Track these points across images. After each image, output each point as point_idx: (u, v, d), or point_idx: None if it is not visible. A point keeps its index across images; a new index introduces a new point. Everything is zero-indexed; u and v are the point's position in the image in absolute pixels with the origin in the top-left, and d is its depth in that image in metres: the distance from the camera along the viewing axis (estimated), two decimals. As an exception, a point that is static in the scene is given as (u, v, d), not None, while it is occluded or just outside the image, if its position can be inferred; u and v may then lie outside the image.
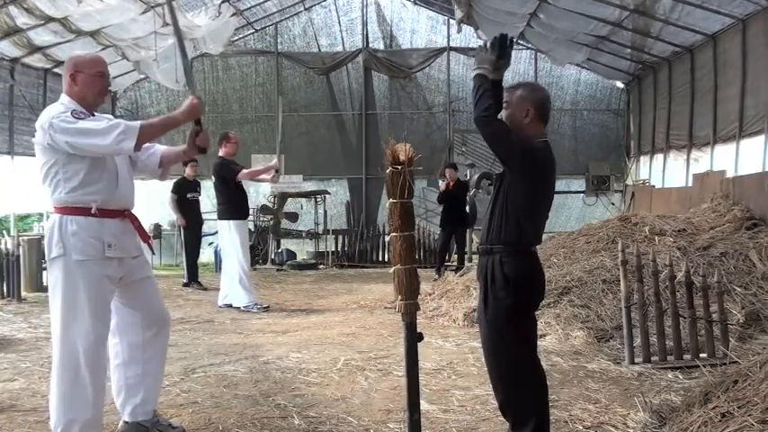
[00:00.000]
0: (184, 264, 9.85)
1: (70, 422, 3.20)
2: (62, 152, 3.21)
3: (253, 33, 14.41)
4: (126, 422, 3.52)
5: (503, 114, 3.21)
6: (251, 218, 13.92)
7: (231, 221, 7.83)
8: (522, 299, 3.15)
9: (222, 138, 8.02)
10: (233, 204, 7.88)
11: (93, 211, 3.23)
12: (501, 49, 3.12)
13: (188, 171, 10.06)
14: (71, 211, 3.23)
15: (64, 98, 3.33)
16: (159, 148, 3.61)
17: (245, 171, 7.96)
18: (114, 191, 3.31)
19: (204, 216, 10.74)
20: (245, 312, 7.67)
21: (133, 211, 3.48)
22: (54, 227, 3.24)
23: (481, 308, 3.26)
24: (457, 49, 14.04)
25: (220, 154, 8.00)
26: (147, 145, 3.45)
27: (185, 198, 9.87)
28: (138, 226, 3.47)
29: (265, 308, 7.80)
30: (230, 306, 7.80)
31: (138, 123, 3.20)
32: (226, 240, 7.90)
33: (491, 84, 3.13)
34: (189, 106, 3.34)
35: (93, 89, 3.32)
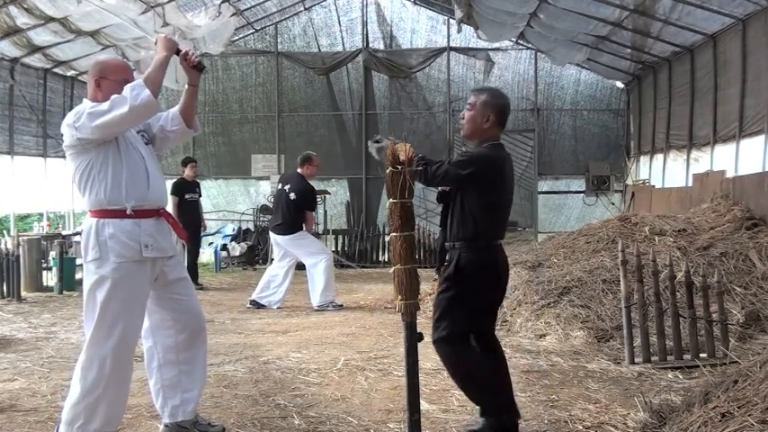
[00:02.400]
0: (185, 265, 9.82)
1: (88, 418, 3.21)
2: (94, 152, 3.24)
3: (253, 33, 14.40)
4: (166, 425, 3.53)
5: (465, 115, 3.50)
6: (251, 217, 13.99)
7: (299, 233, 7.94)
8: (469, 287, 3.32)
9: (305, 159, 8.10)
10: (299, 220, 7.99)
11: (128, 213, 3.25)
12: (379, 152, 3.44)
13: (187, 172, 9.97)
14: (107, 213, 3.26)
15: (87, 102, 3.34)
16: (173, 109, 3.62)
17: (309, 217, 8.24)
18: (146, 190, 3.32)
19: (206, 216, 10.71)
20: (245, 312, 7.70)
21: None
22: (90, 230, 3.26)
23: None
24: (457, 49, 14.03)
25: (300, 172, 8.06)
26: (162, 116, 3.54)
27: (183, 199, 9.81)
28: (173, 223, 3.49)
29: (339, 305, 7.95)
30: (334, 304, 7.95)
31: (137, 80, 3.25)
32: (300, 249, 7.97)
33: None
34: (161, 42, 3.38)
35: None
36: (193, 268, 9.99)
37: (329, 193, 13.42)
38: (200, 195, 10.25)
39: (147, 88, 3.17)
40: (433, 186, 3.47)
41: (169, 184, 10.01)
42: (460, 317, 3.37)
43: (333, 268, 8.08)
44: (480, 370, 3.43)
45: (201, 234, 10.52)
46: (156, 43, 3.43)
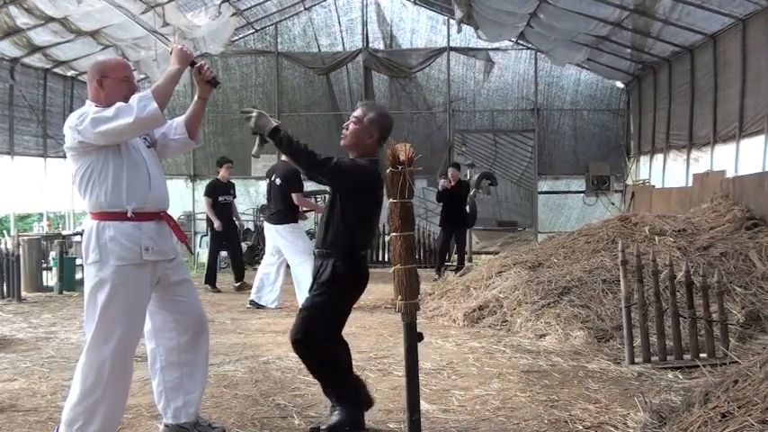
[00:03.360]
0: (206, 264, 9.77)
1: (87, 420, 3.21)
2: (95, 154, 3.23)
3: (253, 33, 14.40)
4: (167, 425, 3.53)
5: (350, 127, 3.58)
6: (251, 218, 13.98)
7: (293, 224, 7.90)
8: (344, 294, 3.57)
9: None
10: (293, 210, 7.92)
11: (129, 215, 3.24)
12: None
13: (222, 173, 9.75)
14: (107, 216, 3.24)
15: (90, 104, 3.33)
16: (178, 118, 3.62)
17: (300, 197, 8.08)
18: (148, 193, 3.31)
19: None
20: (245, 312, 7.70)
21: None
22: (91, 233, 3.25)
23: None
24: (457, 49, 14.03)
25: (285, 160, 7.95)
26: (167, 123, 3.53)
27: (217, 201, 9.60)
28: (174, 226, 3.48)
29: None
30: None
31: (146, 90, 3.25)
32: (288, 244, 7.89)
33: (284, 134, 3.50)
34: (176, 53, 3.37)
35: (120, 94, 3.29)
36: (239, 267, 9.87)
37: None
38: (235, 196, 10.02)
39: (154, 100, 3.15)
40: (310, 173, 3.60)
41: (170, 184, 10.08)
42: (335, 321, 3.66)
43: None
44: (345, 366, 3.69)
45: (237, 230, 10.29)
46: (170, 53, 3.40)
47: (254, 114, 3.54)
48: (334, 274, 3.49)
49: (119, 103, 3.18)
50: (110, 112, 3.16)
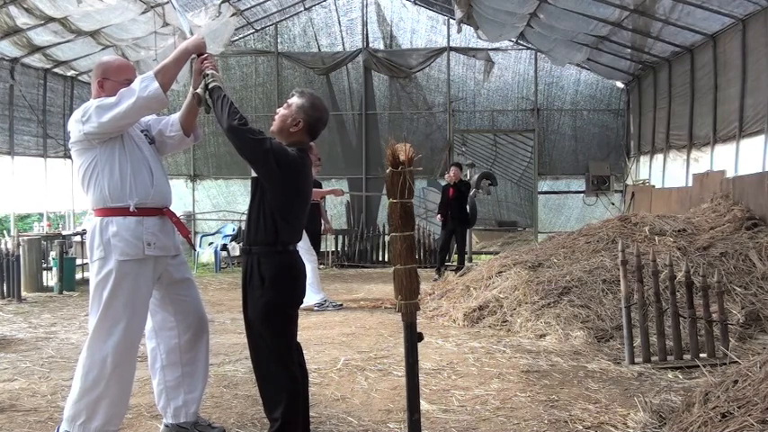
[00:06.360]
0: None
1: (90, 416, 3.22)
2: (99, 149, 3.26)
3: (253, 33, 14.40)
4: (167, 425, 3.54)
5: (280, 111, 3.37)
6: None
7: None
8: (276, 297, 3.17)
9: None
10: None
11: (131, 210, 3.27)
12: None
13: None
14: (110, 212, 3.28)
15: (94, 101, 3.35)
16: (174, 115, 3.62)
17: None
18: (150, 188, 3.34)
19: (208, 216, 10.56)
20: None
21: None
22: (95, 230, 3.29)
23: (243, 306, 3.28)
24: (457, 49, 14.03)
25: None
26: (163, 120, 3.55)
27: None
28: (176, 221, 3.49)
29: (339, 305, 7.93)
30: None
31: (148, 72, 3.26)
32: None
33: (224, 94, 3.23)
34: (194, 38, 3.41)
35: None
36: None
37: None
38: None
39: (156, 81, 3.19)
40: (234, 138, 3.16)
41: (170, 184, 10.06)
42: (281, 327, 3.21)
43: (317, 272, 8.04)
44: (295, 387, 3.21)
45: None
46: (193, 37, 3.44)
47: (218, 73, 3.34)
48: (261, 272, 3.16)
49: (121, 90, 3.22)
50: (113, 99, 3.21)
